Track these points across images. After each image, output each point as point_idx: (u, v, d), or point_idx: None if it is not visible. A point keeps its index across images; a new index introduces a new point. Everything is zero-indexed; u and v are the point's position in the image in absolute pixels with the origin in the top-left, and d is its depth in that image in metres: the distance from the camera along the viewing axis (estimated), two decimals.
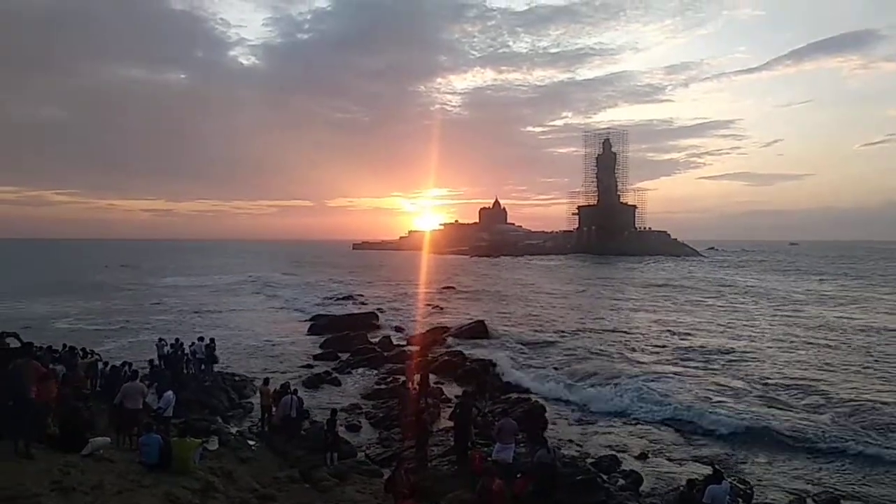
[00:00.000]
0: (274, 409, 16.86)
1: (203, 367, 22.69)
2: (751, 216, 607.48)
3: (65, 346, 20.75)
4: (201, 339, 23.69)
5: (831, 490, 13.86)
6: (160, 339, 24.19)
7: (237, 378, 24.15)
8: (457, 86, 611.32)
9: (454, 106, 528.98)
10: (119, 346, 31.35)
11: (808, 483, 14.27)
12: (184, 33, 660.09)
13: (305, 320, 42.12)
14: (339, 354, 30.34)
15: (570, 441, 17.37)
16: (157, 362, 21.76)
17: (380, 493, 11.99)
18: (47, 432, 10.95)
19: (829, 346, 31.04)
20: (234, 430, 17.15)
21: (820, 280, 78.03)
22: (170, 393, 14.09)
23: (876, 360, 27.52)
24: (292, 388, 17.61)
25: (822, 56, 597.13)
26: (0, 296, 56.38)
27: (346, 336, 34.34)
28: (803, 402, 20.74)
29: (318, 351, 31.35)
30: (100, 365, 20.40)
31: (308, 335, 36.64)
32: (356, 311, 46.23)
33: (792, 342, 32.48)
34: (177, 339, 23.80)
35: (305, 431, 16.51)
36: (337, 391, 23.68)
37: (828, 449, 16.51)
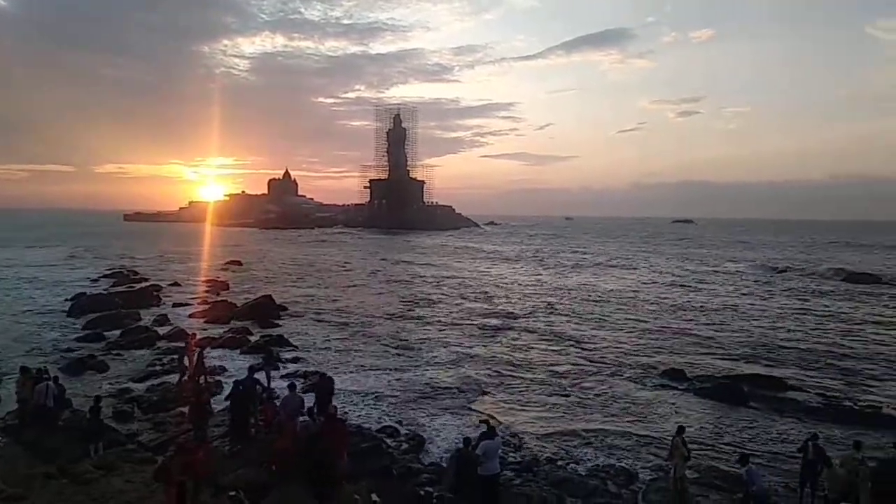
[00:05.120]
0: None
1: None
2: (528, 193, 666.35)
3: None
4: None
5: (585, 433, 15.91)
6: None
7: None
8: (244, 49, 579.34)
9: (241, 70, 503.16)
10: None
11: (562, 435, 16.21)
12: None
13: (66, 299, 37.48)
14: (106, 335, 27.57)
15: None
16: None
17: (151, 481, 11.27)
18: None
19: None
20: None
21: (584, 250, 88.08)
22: None
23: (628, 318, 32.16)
24: (50, 374, 15.73)
25: (588, 49, 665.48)
26: None
27: (115, 315, 31.31)
28: (554, 355, 23.51)
29: (81, 333, 28.16)
30: None
31: (69, 317, 32.64)
32: (127, 289, 42.38)
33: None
34: None
35: (64, 422, 14.89)
36: (103, 376, 21.53)
37: (584, 400, 18.95)
